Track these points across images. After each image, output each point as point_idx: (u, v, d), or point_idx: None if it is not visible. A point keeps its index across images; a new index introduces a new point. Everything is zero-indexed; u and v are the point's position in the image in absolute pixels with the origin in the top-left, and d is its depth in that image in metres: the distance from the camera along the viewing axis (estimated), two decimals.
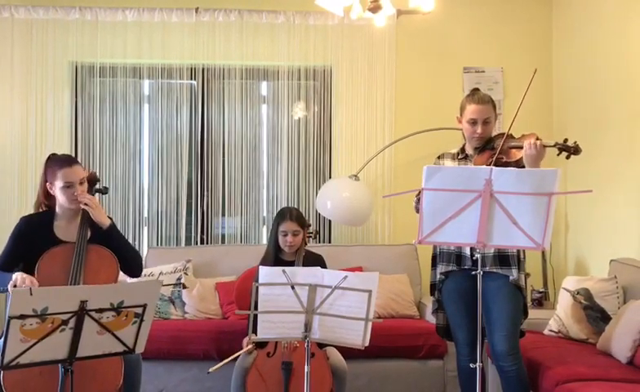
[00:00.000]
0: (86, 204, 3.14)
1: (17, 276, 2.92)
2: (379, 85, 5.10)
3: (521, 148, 3.09)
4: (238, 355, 3.40)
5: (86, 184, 3.18)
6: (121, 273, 3.28)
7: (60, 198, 3.15)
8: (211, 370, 3.09)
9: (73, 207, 3.14)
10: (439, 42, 5.17)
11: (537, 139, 3.04)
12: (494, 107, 3.28)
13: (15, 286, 2.87)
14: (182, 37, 5.03)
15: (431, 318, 3.57)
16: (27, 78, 4.93)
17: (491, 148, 3.20)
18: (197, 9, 4.98)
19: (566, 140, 3.05)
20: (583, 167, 4.56)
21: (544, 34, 5.23)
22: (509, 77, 5.19)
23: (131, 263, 3.31)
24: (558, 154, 3.08)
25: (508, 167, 3.00)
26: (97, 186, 3.38)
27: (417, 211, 3.19)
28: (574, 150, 3.04)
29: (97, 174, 3.44)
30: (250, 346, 3.36)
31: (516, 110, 3.09)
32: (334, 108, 5.16)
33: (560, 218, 4.91)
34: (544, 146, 3.01)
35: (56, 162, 3.15)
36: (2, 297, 4.53)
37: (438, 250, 3.33)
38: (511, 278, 3.13)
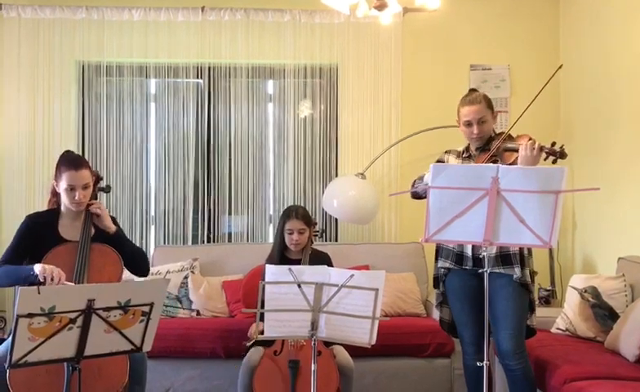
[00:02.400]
0: (96, 215, 3.16)
1: (42, 268, 2.90)
2: (385, 83, 5.09)
3: (516, 150, 3.08)
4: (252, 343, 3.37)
5: (90, 189, 3.17)
6: (127, 271, 3.29)
7: (63, 198, 3.16)
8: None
9: (73, 209, 3.15)
10: (445, 39, 5.16)
11: (529, 139, 3.04)
12: (489, 106, 3.27)
13: (44, 278, 2.86)
14: (188, 36, 5.03)
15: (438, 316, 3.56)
16: (34, 78, 4.94)
17: (489, 149, 3.20)
18: (203, 8, 4.99)
19: (553, 144, 3.05)
20: (590, 164, 4.55)
21: (551, 31, 5.21)
22: (516, 74, 5.17)
23: (139, 263, 3.33)
24: (545, 159, 3.06)
25: None
26: (100, 185, 3.38)
27: (413, 195, 3.23)
28: (560, 154, 3.04)
29: (101, 173, 3.44)
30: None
31: (525, 107, 3.07)
32: (340, 106, 5.16)
33: (567, 216, 4.90)
34: (541, 149, 3.01)
35: (64, 163, 3.14)
36: (10, 296, 4.55)
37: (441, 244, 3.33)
38: (515, 276, 3.13)
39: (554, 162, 3.06)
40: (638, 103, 4.07)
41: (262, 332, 3.26)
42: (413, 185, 3.31)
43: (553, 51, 5.17)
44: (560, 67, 3.09)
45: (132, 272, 3.37)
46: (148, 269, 3.42)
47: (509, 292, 3.13)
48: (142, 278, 3.39)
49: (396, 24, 4.95)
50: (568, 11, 5.11)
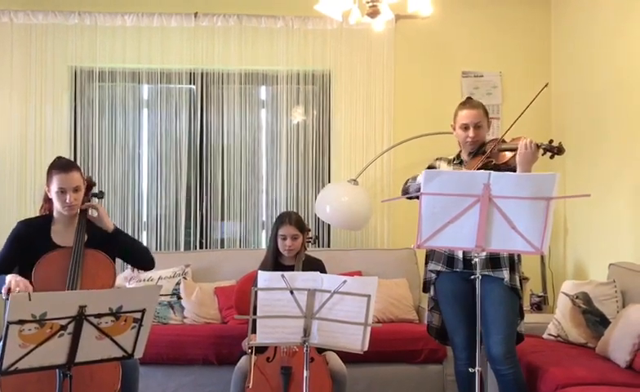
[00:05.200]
0: (93, 216, 3.16)
1: (11, 279, 2.88)
2: (377, 89, 5.11)
3: (512, 150, 3.13)
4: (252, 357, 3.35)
5: (81, 192, 3.16)
6: (119, 278, 3.29)
7: (55, 203, 3.14)
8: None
9: (65, 212, 3.13)
10: (438, 46, 5.18)
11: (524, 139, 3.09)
12: (486, 113, 3.34)
13: (9, 289, 2.83)
14: (181, 42, 5.03)
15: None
16: (26, 83, 4.93)
17: (483, 152, 3.24)
18: (195, 14, 4.99)
19: (551, 141, 3.11)
20: (582, 171, 4.57)
21: (542, 39, 5.24)
22: (508, 81, 5.20)
23: (141, 258, 3.34)
24: (543, 154, 3.13)
25: (498, 169, 3.01)
26: (93, 190, 3.37)
27: (404, 192, 3.26)
28: (557, 150, 3.10)
29: (93, 178, 3.43)
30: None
31: (516, 117, 3.11)
32: (333, 112, 5.17)
33: (559, 222, 4.91)
34: (538, 146, 3.07)
35: (55, 167, 3.14)
36: (1, 302, 4.52)
37: None
38: (504, 280, 3.14)
39: (552, 157, 3.11)
40: (629, 110, 4.10)
41: (251, 348, 3.29)
42: (405, 184, 3.33)
43: (544, 58, 5.20)
44: (546, 85, 3.14)
45: (137, 267, 3.37)
46: (153, 262, 3.37)
47: (500, 297, 3.15)
48: (135, 285, 3.39)
49: (388, 31, 4.97)
50: (560, 18, 5.14)
